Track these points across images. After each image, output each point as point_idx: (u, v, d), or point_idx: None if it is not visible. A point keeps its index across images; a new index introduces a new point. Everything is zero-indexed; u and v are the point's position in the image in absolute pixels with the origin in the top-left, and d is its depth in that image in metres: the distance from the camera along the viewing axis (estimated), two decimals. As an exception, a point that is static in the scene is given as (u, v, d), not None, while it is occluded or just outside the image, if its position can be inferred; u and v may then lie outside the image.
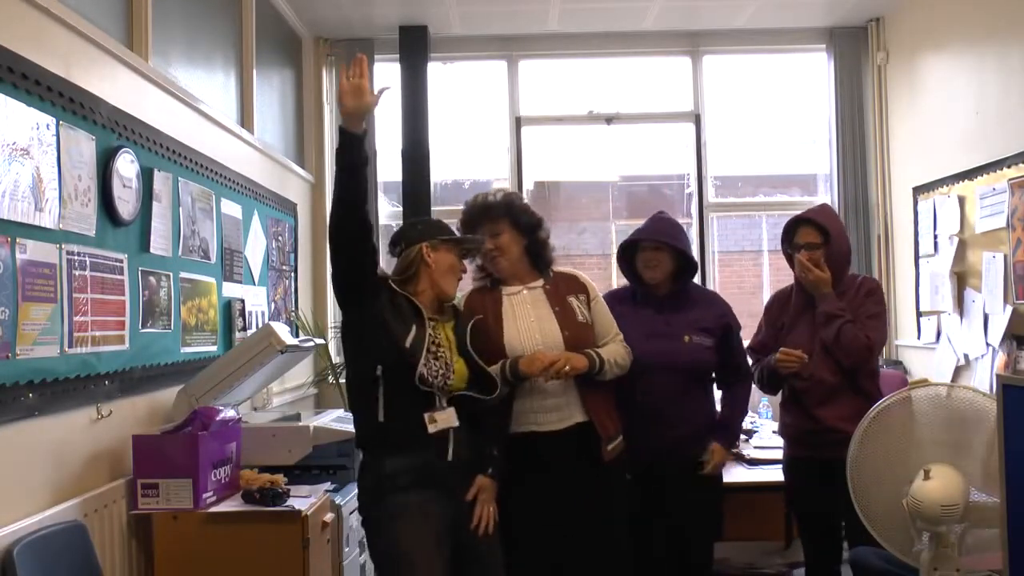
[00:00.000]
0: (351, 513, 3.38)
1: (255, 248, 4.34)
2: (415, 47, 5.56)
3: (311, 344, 3.90)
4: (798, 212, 3.17)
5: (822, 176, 5.92)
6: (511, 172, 5.82)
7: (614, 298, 3.08)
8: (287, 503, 2.96)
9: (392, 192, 5.80)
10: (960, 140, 4.66)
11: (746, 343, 3.22)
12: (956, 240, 4.64)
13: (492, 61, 5.90)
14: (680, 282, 3.04)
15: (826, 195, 5.79)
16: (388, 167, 5.66)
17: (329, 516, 3.15)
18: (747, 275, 6.42)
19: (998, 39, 4.34)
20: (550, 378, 2.64)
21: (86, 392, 2.76)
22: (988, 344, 4.32)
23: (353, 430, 2.60)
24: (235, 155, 4.12)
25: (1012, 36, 4.20)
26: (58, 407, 2.61)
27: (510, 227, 2.80)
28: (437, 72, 5.79)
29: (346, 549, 3.35)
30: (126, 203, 2.99)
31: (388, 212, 5.80)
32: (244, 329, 4.06)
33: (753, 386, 3.17)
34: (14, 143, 2.40)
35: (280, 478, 3.10)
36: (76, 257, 2.69)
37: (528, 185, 5.86)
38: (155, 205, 3.20)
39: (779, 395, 3.20)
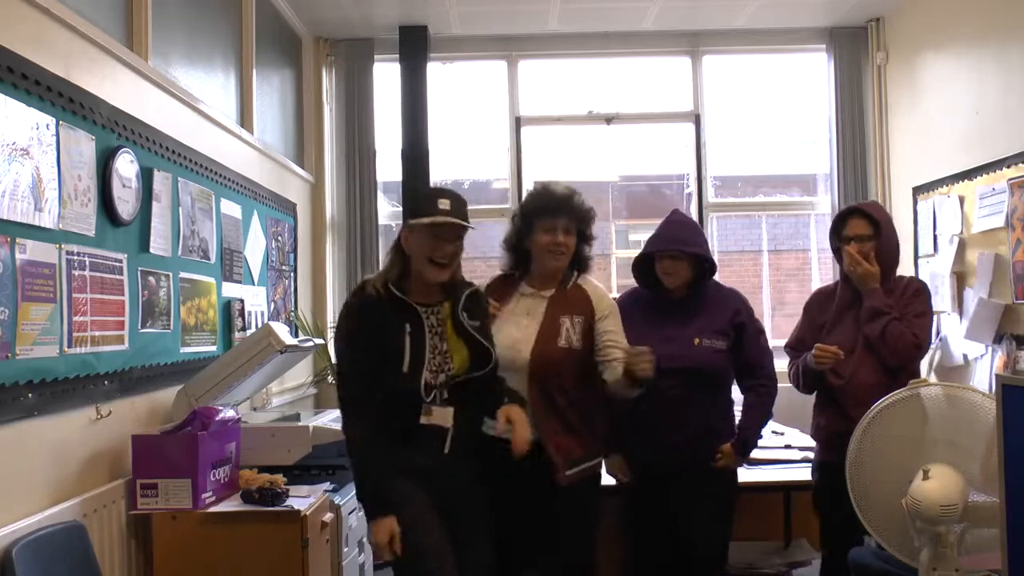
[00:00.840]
0: (350, 513, 3.39)
1: (255, 248, 4.34)
2: (415, 47, 5.56)
3: (310, 344, 3.90)
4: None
5: (822, 176, 5.90)
6: (511, 172, 5.82)
7: (629, 297, 3.03)
8: (286, 503, 2.96)
9: (392, 192, 5.80)
10: (960, 140, 4.66)
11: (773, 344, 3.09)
12: (956, 240, 4.64)
13: (492, 61, 5.90)
14: (697, 284, 2.96)
15: (826, 195, 5.77)
16: (388, 167, 5.66)
17: (328, 516, 3.15)
18: (747, 275, 6.40)
19: (998, 39, 4.34)
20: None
21: (85, 392, 2.76)
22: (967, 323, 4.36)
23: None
24: (235, 155, 4.12)
25: (1012, 36, 4.21)
26: (58, 407, 2.61)
27: (575, 231, 2.73)
28: (437, 72, 5.79)
29: (345, 549, 3.34)
30: (126, 203, 2.99)
31: (388, 212, 5.80)
32: (243, 329, 4.06)
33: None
34: (14, 143, 2.40)
35: (279, 478, 3.10)
36: (76, 257, 2.69)
37: (528, 185, 5.83)
38: (155, 205, 3.20)
39: (812, 396, 3.10)
